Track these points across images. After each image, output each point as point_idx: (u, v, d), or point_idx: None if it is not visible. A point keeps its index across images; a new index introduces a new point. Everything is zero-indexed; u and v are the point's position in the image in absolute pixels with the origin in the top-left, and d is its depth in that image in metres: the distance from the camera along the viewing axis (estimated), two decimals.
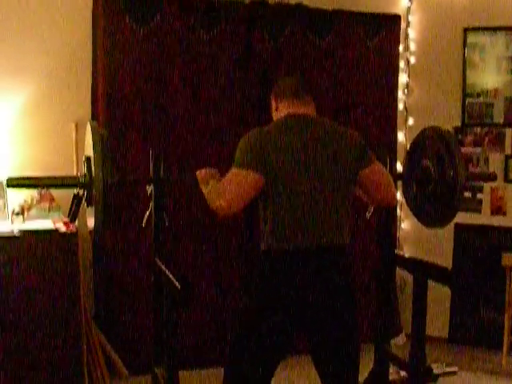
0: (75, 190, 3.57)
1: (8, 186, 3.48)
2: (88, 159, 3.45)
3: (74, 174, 5.16)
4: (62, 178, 3.65)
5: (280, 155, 3.11)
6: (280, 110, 3.36)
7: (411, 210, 4.31)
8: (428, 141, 4.07)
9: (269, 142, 3.13)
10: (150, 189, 3.72)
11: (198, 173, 3.49)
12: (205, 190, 3.38)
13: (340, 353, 3.26)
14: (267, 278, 3.20)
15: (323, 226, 3.17)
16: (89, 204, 3.51)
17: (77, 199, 3.55)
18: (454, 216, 3.97)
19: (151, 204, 3.76)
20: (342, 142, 3.23)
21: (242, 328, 3.29)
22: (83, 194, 3.51)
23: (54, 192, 5.04)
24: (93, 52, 5.25)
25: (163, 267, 3.62)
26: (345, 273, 3.26)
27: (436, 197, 3.96)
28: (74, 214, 3.62)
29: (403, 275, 5.80)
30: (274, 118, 3.39)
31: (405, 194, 4.33)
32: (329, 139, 3.20)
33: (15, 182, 3.52)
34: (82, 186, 3.48)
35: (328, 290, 3.19)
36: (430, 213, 4.07)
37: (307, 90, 3.37)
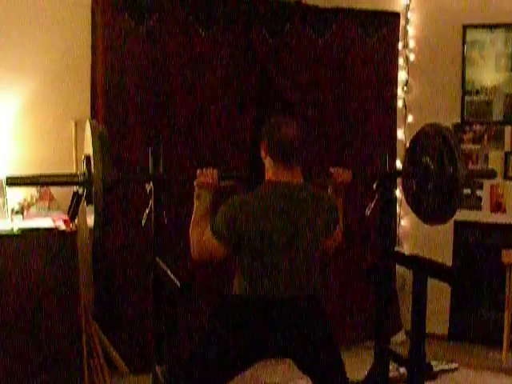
0: (75, 188, 3.56)
1: (7, 184, 3.48)
2: (87, 157, 3.45)
3: (74, 171, 5.17)
4: (61, 176, 3.64)
5: (254, 223, 3.22)
6: (266, 167, 3.40)
7: (411, 207, 4.30)
8: (428, 138, 4.06)
9: (245, 212, 3.24)
10: (149, 187, 3.71)
11: (198, 173, 3.51)
12: (194, 211, 3.48)
13: (322, 362, 3.40)
14: (235, 319, 3.32)
15: (294, 280, 3.31)
16: (88, 202, 3.50)
17: (76, 197, 3.54)
18: (454, 213, 3.96)
19: (151, 202, 3.76)
20: (317, 207, 3.37)
21: (208, 343, 3.36)
22: (83, 192, 3.50)
23: (54, 190, 5.04)
24: (92, 50, 5.24)
25: (163, 265, 3.62)
26: (318, 319, 3.41)
27: (436, 194, 3.96)
28: (73, 212, 3.59)
29: (403, 272, 5.81)
30: (264, 162, 3.42)
31: (404, 190, 4.32)
32: (305, 205, 3.32)
33: (14, 181, 3.53)
34: (82, 184, 3.48)
35: (298, 335, 3.33)
36: (430, 210, 4.06)
37: (299, 151, 3.35)
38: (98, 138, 3.35)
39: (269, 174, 3.38)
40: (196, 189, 3.49)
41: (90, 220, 3.52)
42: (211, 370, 3.30)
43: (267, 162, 3.38)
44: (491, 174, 4.68)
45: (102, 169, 3.29)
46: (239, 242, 3.26)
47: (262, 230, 3.22)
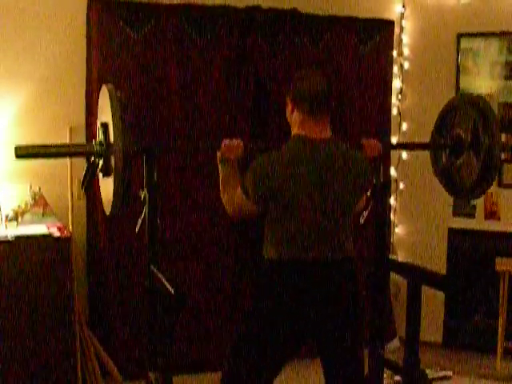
0: (90, 159, 3.39)
1: (16, 156, 3.22)
2: (104, 125, 3.25)
3: (68, 179, 5.17)
4: (76, 146, 3.47)
5: (286, 181, 3.19)
6: (295, 122, 3.34)
7: (440, 182, 4.19)
8: (460, 108, 3.94)
9: (275, 170, 3.20)
10: (143, 194, 3.69)
11: (222, 145, 3.47)
12: (221, 174, 3.45)
13: (346, 354, 3.39)
14: (273, 286, 3.28)
15: (327, 240, 3.28)
16: (105, 174, 3.34)
17: (92, 168, 3.35)
18: (488, 187, 3.87)
19: (145, 209, 3.74)
20: (351, 168, 3.31)
21: (249, 331, 3.35)
22: (98, 163, 3.33)
23: (48, 197, 5.04)
24: (87, 57, 5.24)
25: (157, 272, 3.61)
26: (349, 282, 3.37)
27: (469, 166, 3.83)
28: (88, 184, 3.43)
29: (397, 280, 5.81)
30: (289, 120, 3.40)
31: (434, 165, 4.21)
32: (337, 165, 3.27)
33: (24, 152, 3.29)
34: (99, 154, 3.29)
35: (333, 298, 3.30)
36: (461, 184, 3.95)
37: (327, 101, 3.30)
38: (117, 103, 3.14)
39: (295, 129, 3.33)
40: (220, 159, 3.47)
41: (106, 192, 3.37)
42: (259, 353, 3.30)
43: (294, 116, 3.33)
44: None
45: (123, 138, 3.09)
46: (271, 199, 3.22)
47: (293, 185, 3.18)
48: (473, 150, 3.77)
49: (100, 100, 3.45)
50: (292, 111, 3.33)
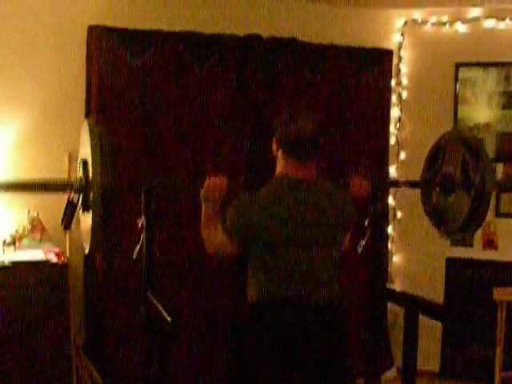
0: (69, 196, 3.37)
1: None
2: (84, 162, 3.26)
3: None
4: (56, 181, 3.46)
5: (266, 222, 3.15)
6: (279, 160, 3.31)
7: (431, 220, 4.16)
8: (450, 146, 3.92)
9: (255, 210, 3.17)
10: (141, 221, 3.69)
11: (206, 183, 3.41)
12: (203, 211, 3.40)
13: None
14: (257, 329, 3.25)
15: (309, 282, 3.22)
16: (85, 209, 3.33)
17: (71, 205, 3.34)
18: (479, 226, 3.82)
19: (142, 236, 3.75)
20: (333, 207, 3.29)
21: (239, 372, 3.34)
22: (78, 199, 3.32)
23: (46, 223, 5.04)
24: (87, 83, 5.27)
25: (154, 300, 3.61)
26: (336, 324, 3.30)
27: (460, 205, 3.79)
28: (67, 222, 3.40)
29: (394, 309, 5.79)
30: (274, 154, 3.35)
31: (424, 203, 4.17)
32: (319, 204, 3.24)
33: (6, 186, 3.37)
34: (78, 190, 3.29)
35: (320, 341, 3.23)
36: (452, 222, 3.90)
37: (314, 147, 3.25)
38: (96, 138, 3.15)
39: (279, 168, 3.29)
40: (203, 197, 3.42)
41: (85, 228, 3.37)
42: None
43: (279, 155, 3.28)
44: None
45: (102, 172, 3.11)
46: (251, 240, 3.18)
47: (274, 226, 3.14)
48: (464, 189, 3.74)
49: (81, 134, 3.43)
50: (277, 150, 3.29)
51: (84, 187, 3.25)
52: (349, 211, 3.38)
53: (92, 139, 3.15)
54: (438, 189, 3.99)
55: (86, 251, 3.47)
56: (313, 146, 3.23)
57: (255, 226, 3.15)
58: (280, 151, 3.27)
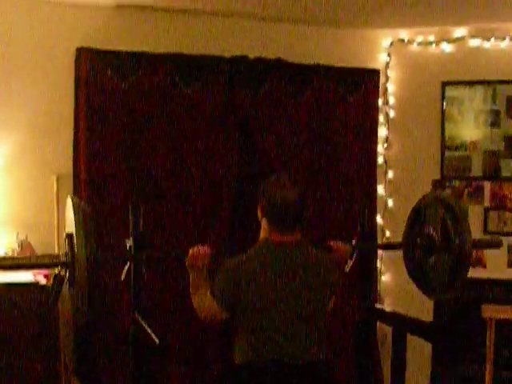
0: (56, 270, 3.33)
1: None
2: (70, 236, 3.23)
3: (55, 228, 5.17)
4: (42, 258, 3.47)
5: (253, 284, 3.17)
6: (264, 227, 3.33)
7: (413, 280, 4.15)
8: (430, 207, 3.95)
9: (242, 273, 3.20)
10: (129, 243, 3.69)
11: (189, 253, 3.41)
12: (190, 278, 3.42)
13: None
14: None
15: (296, 344, 3.21)
16: (71, 285, 3.29)
17: (58, 280, 3.28)
18: (460, 287, 3.81)
19: (130, 258, 3.75)
20: (318, 269, 3.30)
21: None
22: (65, 274, 3.27)
23: (35, 244, 5.04)
24: (75, 104, 5.27)
25: (142, 322, 3.61)
26: None
27: (440, 266, 3.81)
28: (55, 297, 3.32)
29: (384, 327, 5.80)
30: (260, 221, 3.37)
31: (406, 263, 4.19)
32: (303, 267, 3.25)
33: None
34: (64, 264, 3.25)
35: None
36: (434, 283, 3.92)
37: (297, 217, 3.26)
38: (80, 216, 3.17)
39: (264, 234, 3.31)
40: (187, 266, 3.43)
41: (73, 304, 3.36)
42: None
43: (263, 222, 3.31)
44: (497, 244, 4.39)
45: (86, 249, 3.10)
46: (238, 304, 3.20)
47: (260, 289, 3.16)
48: (444, 250, 3.77)
49: (66, 211, 3.42)
50: (261, 217, 3.33)
51: (70, 262, 3.21)
52: (333, 272, 3.39)
53: (76, 216, 3.17)
54: (419, 251, 4.01)
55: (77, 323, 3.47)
56: (297, 216, 3.26)
57: (242, 292, 3.18)
58: (264, 219, 3.30)
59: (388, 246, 4.59)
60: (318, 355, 3.28)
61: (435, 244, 3.82)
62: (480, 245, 4.83)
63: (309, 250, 3.33)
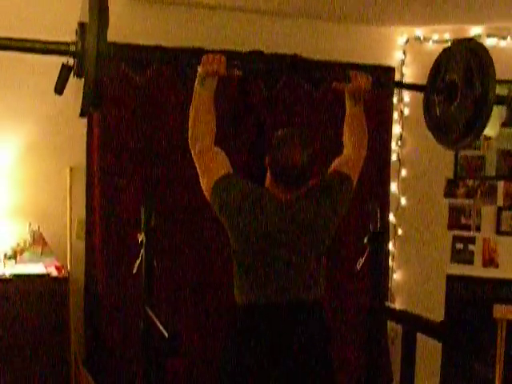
0: (64, 60, 3.16)
1: None
2: (82, 25, 3.06)
3: (68, 219, 5.19)
4: (51, 43, 3.19)
5: (252, 215, 3.13)
6: (268, 179, 3.28)
7: (433, 134, 3.92)
8: (457, 54, 3.72)
9: (246, 194, 3.17)
10: (141, 237, 3.72)
11: (204, 58, 3.32)
12: (196, 92, 3.41)
13: None
14: (240, 332, 3.20)
15: (296, 281, 3.17)
16: (78, 75, 3.13)
17: (65, 69, 3.16)
18: (479, 135, 3.62)
19: (142, 252, 3.77)
20: (321, 209, 3.21)
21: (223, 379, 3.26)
22: (74, 64, 3.13)
23: (47, 235, 5.06)
24: None
25: (152, 315, 3.63)
26: (319, 327, 3.25)
27: (461, 114, 3.60)
28: (61, 85, 3.20)
29: (394, 326, 5.80)
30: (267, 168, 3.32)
31: (426, 113, 3.96)
32: (302, 220, 3.17)
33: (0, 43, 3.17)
34: (73, 54, 3.08)
35: (302, 344, 3.17)
36: (454, 131, 3.69)
37: (301, 176, 3.19)
38: (95, 6, 2.98)
39: (267, 183, 3.27)
40: (200, 74, 3.33)
41: (79, 100, 3.20)
42: None
43: (268, 174, 3.26)
44: None
45: (98, 37, 2.94)
46: (226, 215, 3.16)
47: (259, 228, 3.12)
48: (466, 95, 3.56)
49: (82, 1, 3.22)
50: (267, 168, 3.27)
51: (79, 51, 3.06)
52: (340, 204, 3.30)
53: (91, 5, 2.98)
54: (441, 97, 3.78)
55: (78, 114, 3.33)
56: (301, 176, 3.18)
57: (239, 212, 3.14)
58: (268, 172, 3.25)
59: (411, 87, 4.40)
60: (314, 294, 3.22)
61: (458, 90, 3.61)
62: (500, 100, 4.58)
63: (307, 206, 3.20)
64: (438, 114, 3.79)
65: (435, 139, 3.91)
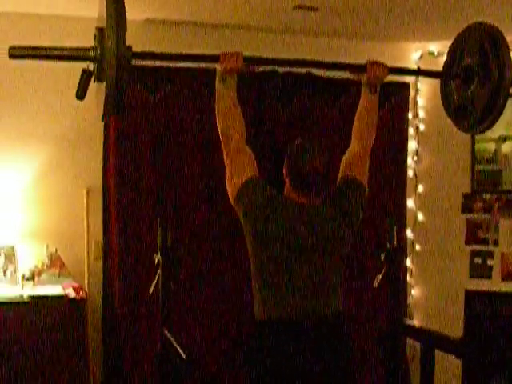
0: (85, 65, 3.18)
1: (10, 55, 3.08)
2: (100, 30, 3.09)
3: (85, 240, 5.21)
4: (71, 50, 3.20)
5: (275, 222, 3.13)
6: (287, 186, 3.28)
7: (451, 118, 3.94)
8: (472, 38, 3.71)
9: (269, 203, 3.16)
10: (157, 258, 3.72)
11: (221, 56, 3.35)
12: (218, 91, 3.43)
13: None
14: (261, 349, 3.18)
15: (316, 295, 3.17)
16: (99, 80, 3.15)
17: (86, 74, 3.18)
18: (498, 117, 3.65)
19: (158, 272, 3.77)
20: (338, 220, 3.23)
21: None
22: (94, 68, 3.15)
23: (65, 256, 5.08)
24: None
25: (170, 336, 3.62)
26: (340, 341, 3.24)
27: (479, 96, 3.61)
28: (82, 90, 3.22)
29: (413, 343, 5.77)
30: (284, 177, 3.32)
31: (443, 99, 3.96)
32: (323, 223, 3.19)
33: (17, 52, 3.15)
34: (93, 59, 3.11)
35: (324, 359, 3.15)
36: (472, 115, 3.71)
37: (320, 183, 3.21)
38: (113, 6, 2.98)
39: (286, 192, 3.27)
40: (220, 72, 3.37)
41: (100, 104, 3.21)
42: None
43: (287, 182, 3.27)
44: None
45: (117, 40, 2.94)
46: (251, 222, 3.16)
47: (279, 227, 3.12)
48: (483, 78, 3.56)
49: (99, 4, 3.21)
50: (285, 177, 3.28)
51: (99, 56, 3.08)
52: (349, 229, 3.30)
53: (108, 7, 2.99)
54: (457, 82, 3.78)
55: (100, 118, 3.34)
56: (322, 181, 3.21)
57: (266, 221, 3.14)
58: (287, 180, 3.26)
59: (427, 73, 4.37)
60: (335, 308, 3.22)
61: (474, 73, 3.62)
62: None
63: (327, 212, 3.23)
64: (456, 99, 3.78)
65: (454, 124, 3.92)
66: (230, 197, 3.28)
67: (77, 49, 3.15)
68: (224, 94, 3.40)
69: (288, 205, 3.20)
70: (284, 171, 3.29)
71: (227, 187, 3.30)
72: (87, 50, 3.11)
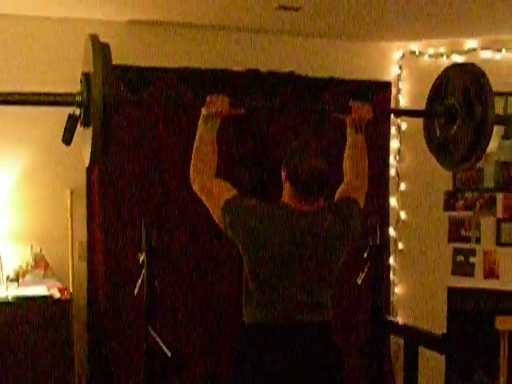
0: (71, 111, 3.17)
1: None
2: (86, 75, 3.08)
3: (69, 241, 5.21)
4: (57, 95, 3.22)
5: (266, 234, 3.10)
6: (287, 191, 3.22)
7: (435, 155, 3.96)
8: (455, 78, 3.75)
9: (260, 216, 3.12)
10: (142, 257, 3.73)
11: (208, 99, 3.30)
12: (199, 131, 3.38)
13: None
14: (249, 352, 3.17)
15: (307, 302, 3.16)
16: (85, 125, 3.16)
17: (72, 119, 3.17)
18: (481, 157, 3.65)
19: (143, 272, 3.78)
20: (332, 240, 3.20)
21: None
22: (80, 114, 3.15)
23: (49, 258, 5.08)
24: None
25: (155, 335, 3.64)
26: (328, 349, 3.24)
27: (462, 135, 3.62)
28: (68, 136, 3.18)
29: (397, 340, 5.80)
30: (283, 183, 3.26)
31: (426, 135, 3.99)
32: (319, 236, 3.16)
33: (2, 98, 3.16)
34: (79, 104, 3.10)
35: (311, 365, 3.15)
36: (455, 153, 3.72)
37: (322, 186, 3.14)
38: (99, 52, 3.00)
39: (286, 198, 3.21)
40: (204, 115, 3.33)
41: (87, 149, 3.21)
42: None
43: (286, 186, 3.20)
44: None
45: (103, 86, 2.94)
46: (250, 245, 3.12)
47: (272, 248, 3.09)
48: (466, 118, 3.58)
49: (85, 48, 3.23)
50: (285, 182, 3.22)
51: (85, 101, 3.07)
52: (354, 231, 3.31)
53: (94, 53, 3.00)
54: (441, 120, 3.81)
55: (87, 164, 3.34)
56: (322, 185, 3.15)
57: (254, 234, 3.12)
58: (287, 184, 3.20)
59: (410, 113, 4.38)
60: (325, 316, 3.22)
61: (457, 113, 3.63)
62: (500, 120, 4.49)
63: (327, 220, 3.20)
64: (439, 136, 3.81)
65: (437, 161, 3.93)
66: (220, 226, 3.25)
67: (63, 94, 3.15)
68: (203, 136, 3.36)
69: (279, 211, 3.17)
70: (283, 175, 3.23)
71: (215, 219, 3.27)
72: (73, 95, 3.10)
